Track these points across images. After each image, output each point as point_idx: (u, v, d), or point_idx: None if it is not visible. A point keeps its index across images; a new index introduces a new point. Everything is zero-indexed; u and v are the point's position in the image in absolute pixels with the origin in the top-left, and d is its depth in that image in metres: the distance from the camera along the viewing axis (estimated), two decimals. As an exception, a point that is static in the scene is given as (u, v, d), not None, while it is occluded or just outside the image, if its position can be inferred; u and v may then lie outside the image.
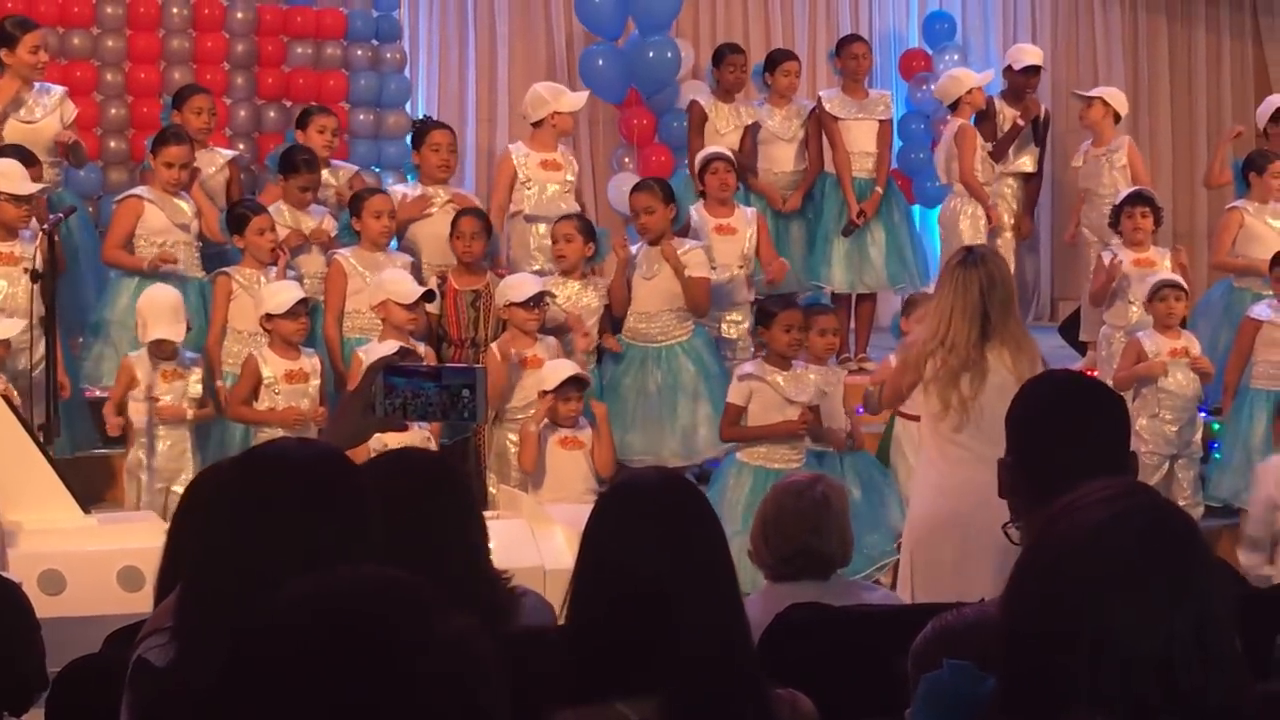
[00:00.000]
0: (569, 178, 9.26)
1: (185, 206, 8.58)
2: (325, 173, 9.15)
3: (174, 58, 10.35)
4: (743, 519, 6.93)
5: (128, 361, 7.82)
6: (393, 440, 5.97)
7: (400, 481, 3.33)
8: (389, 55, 10.96)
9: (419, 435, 7.43)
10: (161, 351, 7.75)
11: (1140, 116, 13.30)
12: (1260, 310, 9.00)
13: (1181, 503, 8.04)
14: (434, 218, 8.96)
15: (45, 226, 7.58)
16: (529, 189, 9.17)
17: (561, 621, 3.20)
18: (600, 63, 11.33)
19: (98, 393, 8.28)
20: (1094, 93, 10.79)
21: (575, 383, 7.82)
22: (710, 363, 8.82)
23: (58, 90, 8.86)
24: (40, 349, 7.67)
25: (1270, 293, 9.07)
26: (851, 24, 12.71)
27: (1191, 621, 1.89)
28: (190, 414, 7.78)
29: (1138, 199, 9.51)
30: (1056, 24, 13.43)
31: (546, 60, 12.29)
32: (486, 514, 4.19)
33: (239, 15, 10.49)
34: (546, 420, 7.80)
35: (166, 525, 3.93)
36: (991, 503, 3.32)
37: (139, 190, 8.64)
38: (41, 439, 7.06)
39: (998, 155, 10.47)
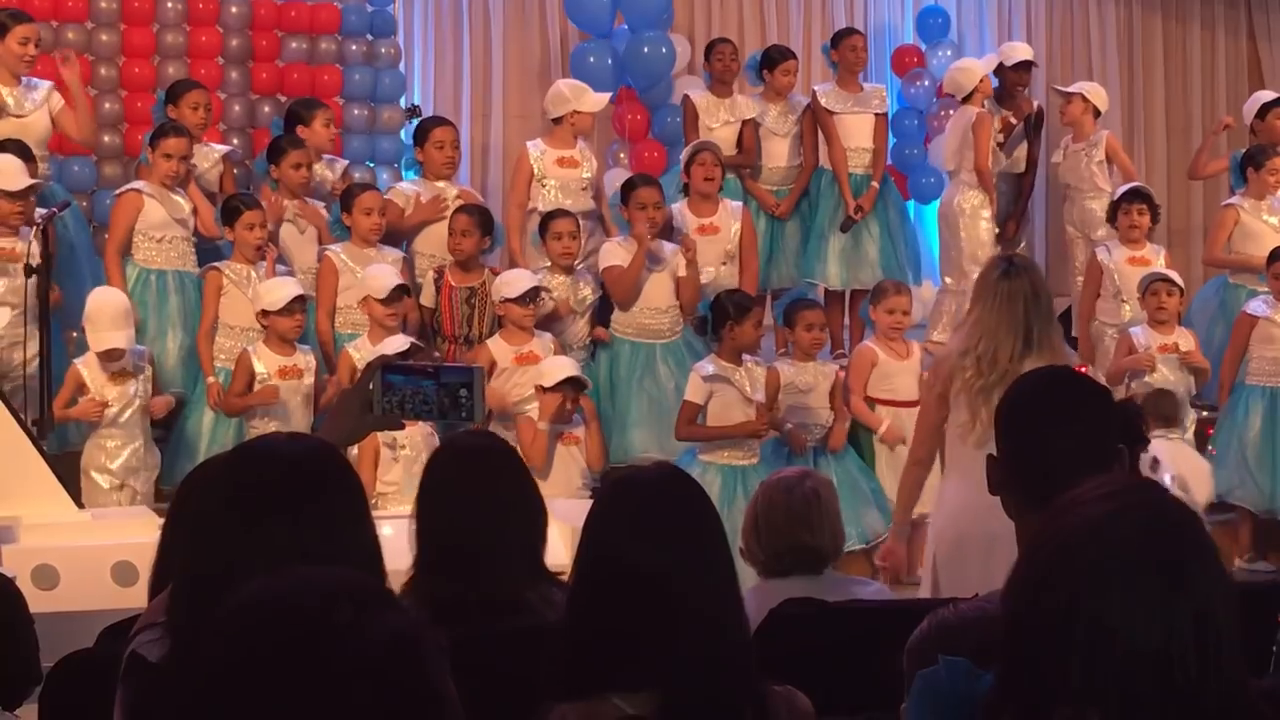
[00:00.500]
0: (586, 175, 9.28)
1: (183, 202, 8.56)
2: (319, 166, 9.15)
3: (168, 52, 10.32)
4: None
5: (75, 370, 7.76)
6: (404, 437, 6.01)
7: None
8: (384, 50, 10.94)
9: (419, 432, 7.43)
10: (110, 357, 7.71)
11: (1135, 113, 13.30)
12: (1256, 306, 9.00)
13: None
14: (435, 214, 9.02)
15: (38, 221, 7.56)
16: (545, 185, 9.18)
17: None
18: (592, 59, 11.32)
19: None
20: (1074, 88, 10.74)
21: (573, 384, 7.83)
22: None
23: (45, 84, 8.82)
24: (34, 344, 7.65)
25: (1266, 289, 9.07)
26: (846, 19, 12.67)
27: (1190, 617, 1.88)
28: (104, 414, 7.68)
29: (1135, 195, 9.50)
30: (1051, 20, 13.40)
31: (540, 55, 12.27)
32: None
33: (233, 10, 10.47)
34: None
35: (160, 520, 3.93)
36: None
37: (137, 185, 8.60)
38: (35, 434, 7.05)
39: (1007, 153, 10.45)
